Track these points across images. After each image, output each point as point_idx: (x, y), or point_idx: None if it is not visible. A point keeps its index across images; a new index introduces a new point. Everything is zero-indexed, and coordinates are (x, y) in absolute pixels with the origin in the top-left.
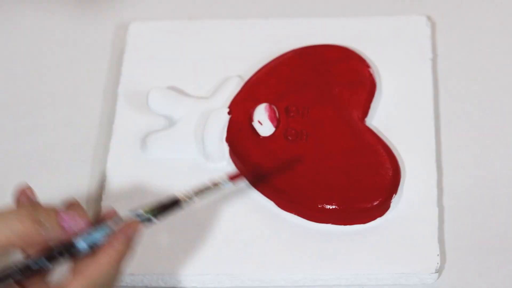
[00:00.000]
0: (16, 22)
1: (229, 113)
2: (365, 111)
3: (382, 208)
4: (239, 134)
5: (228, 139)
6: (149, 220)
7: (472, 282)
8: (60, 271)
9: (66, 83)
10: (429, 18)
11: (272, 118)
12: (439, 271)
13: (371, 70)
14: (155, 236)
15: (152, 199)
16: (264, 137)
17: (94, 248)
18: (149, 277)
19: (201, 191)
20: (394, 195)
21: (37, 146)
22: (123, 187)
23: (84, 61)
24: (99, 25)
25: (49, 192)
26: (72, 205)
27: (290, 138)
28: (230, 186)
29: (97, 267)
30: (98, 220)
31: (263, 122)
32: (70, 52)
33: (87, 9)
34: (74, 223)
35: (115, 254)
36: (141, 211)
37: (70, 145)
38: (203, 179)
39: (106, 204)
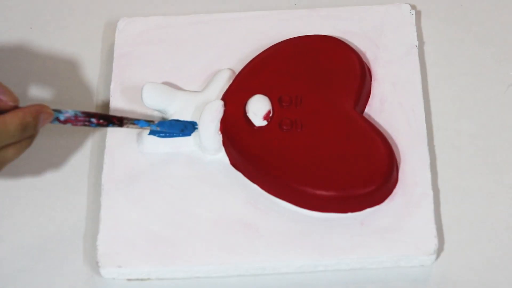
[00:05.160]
0: (7, 19)
1: (223, 105)
2: (356, 99)
3: (378, 193)
4: (234, 125)
5: (223, 131)
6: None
7: (470, 262)
8: None
9: (60, 80)
10: (413, 6)
11: (266, 109)
12: (437, 252)
13: (360, 59)
14: (158, 227)
15: (151, 193)
16: (259, 128)
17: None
18: (153, 268)
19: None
20: (389, 180)
21: (35, 144)
22: (120, 182)
23: (75, 58)
24: (89, 22)
25: (48, 189)
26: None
27: (285, 128)
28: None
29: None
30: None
31: (257, 113)
32: (60, 49)
33: (76, 6)
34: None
35: (21, 115)
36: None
37: (68, 143)
38: (201, 172)
39: (105, 202)
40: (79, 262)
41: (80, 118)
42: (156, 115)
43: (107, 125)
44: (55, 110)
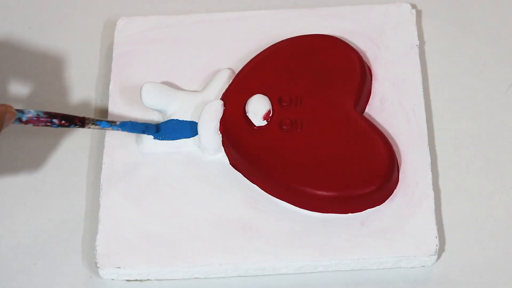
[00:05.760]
0: (6, 19)
1: (222, 105)
2: (356, 99)
3: (378, 194)
4: (233, 125)
5: (223, 131)
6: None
7: (471, 262)
8: None
9: (59, 80)
10: (414, 5)
11: (266, 109)
12: (438, 252)
13: (360, 58)
14: (157, 228)
15: (150, 194)
16: (259, 128)
17: None
18: (152, 269)
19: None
20: (390, 180)
21: (34, 144)
22: (120, 182)
23: (74, 57)
24: (88, 21)
25: (47, 189)
26: None
27: (285, 127)
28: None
29: None
30: None
31: (256, 113)
32: (59, 49)
33: (75, 5)
34: None
35: None
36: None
37: (67, 143)
38: (201, 172)
39: (104, 203)
40: (78, 263)
41: (42, 119)
42: (154, 118)
43: (69, 126)
44: (17, 110)
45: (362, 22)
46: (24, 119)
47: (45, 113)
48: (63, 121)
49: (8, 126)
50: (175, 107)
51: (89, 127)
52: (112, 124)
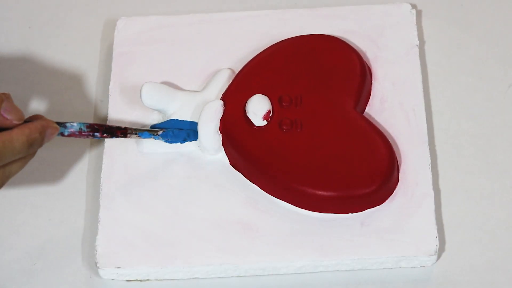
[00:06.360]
0: (5, 19)
1: (222, 105)
2: (356, 99)
3: (378, 194)
4: (233, 125)
5: (223, 131)
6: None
7: (471, 262)
8: None
9: (59, 80)
10: (414, 5)
11: (266, 109)
12: (438, 252)
13: (360, 58)
14: (157, 228)
15: (150, 194)
16: (259, 128)
17: None
18: (152, 269)
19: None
20: (390, 180)
21: None
22: (119, 182)
23: (74, 57)
24: (88, 21)
25: (47, 190)
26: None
27: (284, 127)
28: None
29: (5, 134)
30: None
31: (256, 113)
32: (60, 48)
33: (75, 5)
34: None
35: (27, 131)
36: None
37: (67, 144)
38: (201, 172)
39: (104, 203)
40: (78, 263)
41: (84, 133)
42: (155, 118)
43: (111, 137)
44: (59, 124)
45: (362, 22)
46: (66, 133)
47: (88, 126)
48: (105, 134)
49: (50, 141)
50: (175, 107)
51: (130, 138)
52: (153, 134)
